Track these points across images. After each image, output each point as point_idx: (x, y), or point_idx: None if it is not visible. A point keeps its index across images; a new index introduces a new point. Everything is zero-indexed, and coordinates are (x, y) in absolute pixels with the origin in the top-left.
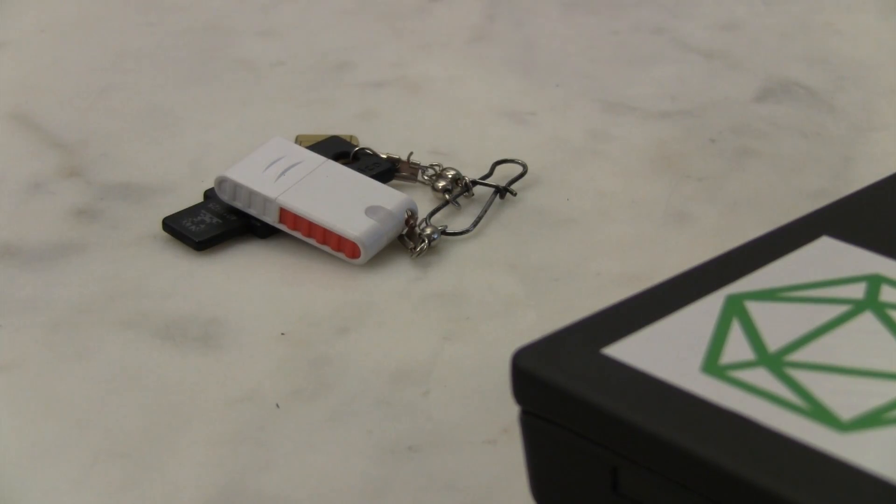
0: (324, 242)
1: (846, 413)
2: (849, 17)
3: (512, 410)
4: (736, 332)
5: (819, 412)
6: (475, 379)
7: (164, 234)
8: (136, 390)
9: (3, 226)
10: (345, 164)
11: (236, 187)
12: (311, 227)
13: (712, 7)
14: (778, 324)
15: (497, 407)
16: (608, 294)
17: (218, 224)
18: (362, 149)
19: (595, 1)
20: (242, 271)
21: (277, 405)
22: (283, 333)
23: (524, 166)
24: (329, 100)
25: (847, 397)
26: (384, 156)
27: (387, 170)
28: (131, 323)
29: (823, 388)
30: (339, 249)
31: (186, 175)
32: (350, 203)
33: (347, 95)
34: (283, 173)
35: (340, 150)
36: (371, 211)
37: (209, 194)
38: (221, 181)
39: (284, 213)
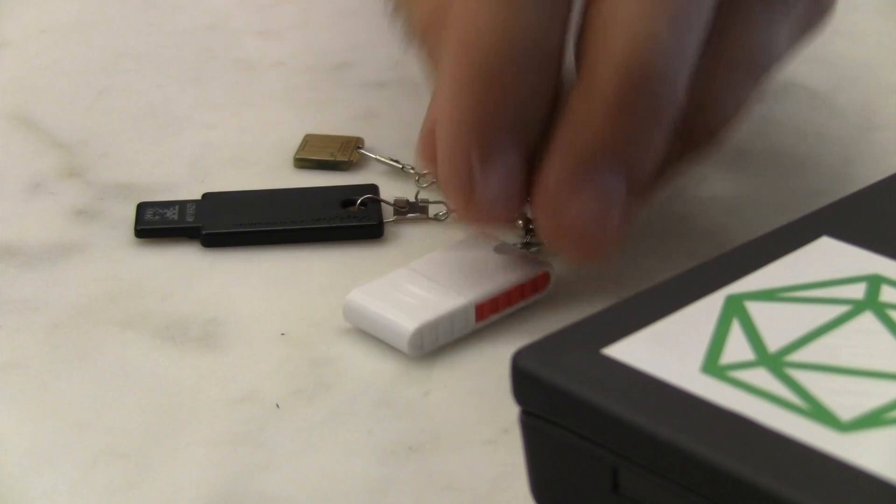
0: (521, 299)
1: (846, 413)
2: (849, 17)
3: (512, 410)
4: (736, 333)
5: (819, 412)
6: (475, 379)
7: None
8: (136, 390)
9: (3, 226)
10: (351, 210)
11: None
12: (507, 297)
13: None
14: (778, 324)
15: (497, 407)
16: (608, 294)
17: (172, 221)
18: (370, 197)
19: None
20: (242, 271)
21: (277, 405)
22: (283, 333)
23: None
24: (329, 100)
25: (847, 397)
26: (392, 201)
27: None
28: (131, 323)
29: (823, 388)
30: (534, 292)
31: (186, 175)
32: (481, 258)
33: (347, 95)
34: (411, 296)
35: (345, 199)
36: (500, 249)
37: (207, 196)
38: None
39: (481, 308)
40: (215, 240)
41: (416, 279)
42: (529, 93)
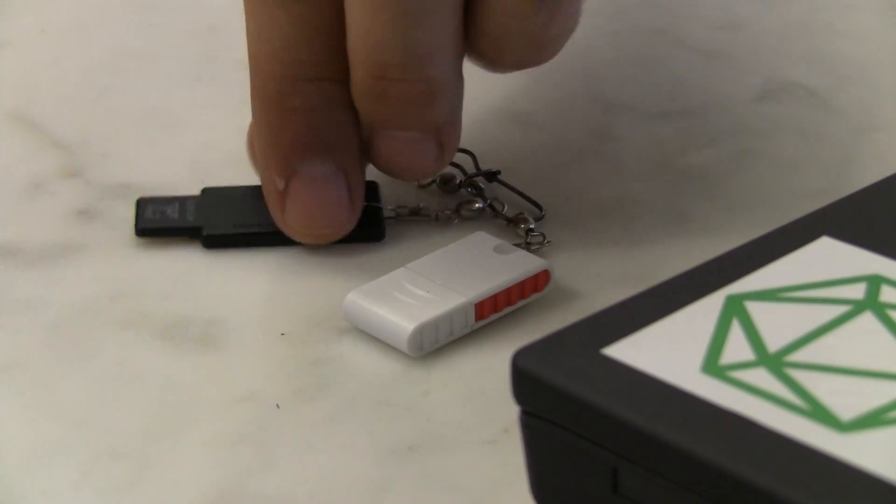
0: (521, 298)
1: (846, 413)
2: (849, 17)
3: (512, 410)
4: (736, 333)
5: (819, 412)
6: (475, 379)
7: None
8: (136, 390)
9: (3, 226)
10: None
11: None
12: (506, 296)
13: (712, 7)
14: (778, 324)
15: (497, 407)
16: (608, 294)
17: (172, 219)
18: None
19: (595, 1)
20: (242, 271)
21: (277, 405)
22: (283, 333)
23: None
24: None
25: (847, 397)
26: (391, 208)
27: (375, 228)
28: (131, 323)
29: (823, 388)
30: (533, 291)
31: (186, 175)
32: (480, 258)
33: None
34: (411, 296)
35: None
36: (499, 249)
37: (206, 191)
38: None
39: (480, 307)
40: (216, 241)
41: (415, 279)
42: (316, 120)
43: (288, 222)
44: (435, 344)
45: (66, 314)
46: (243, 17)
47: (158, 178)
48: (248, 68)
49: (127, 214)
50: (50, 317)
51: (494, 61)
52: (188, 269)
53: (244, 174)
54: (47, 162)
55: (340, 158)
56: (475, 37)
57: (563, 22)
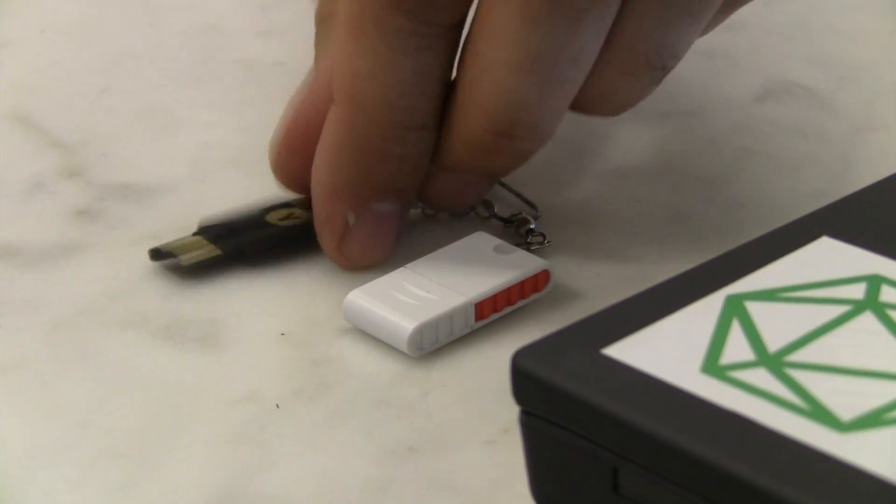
0: (521, 298)
1: (846, 413)
2: (849, 17)
3: (512, 410)
4: (736, 333)
5: (819, 412)
6: (475, 379)
7: (165, 233)
8: (136, 390)
9: (3, 226)
10: None
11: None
12: (506, 296)
13: None
14: (778, 324)
15: (497, 407)
16: (608, 294)
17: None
18: None
19: None
20: (242, 271)
21: (277, 405)
22: (283, 333)
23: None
24: None
25: (847, 397)
26: None
27: None
28: (131, 323)
29: (823, 388)
30: (533, 291)
31: (186, 175)
32: (480, 258)
33: None
34: (411, 296)
35: None
36: (499, 249)
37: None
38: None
39: (480, 307)
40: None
41: (415, 279)
42: (408, 153)
43: (346, 253)
44: (435, 344)
45: (66, 314)
46: (243, 17)
47: (158, 178)
48: (344, 106)
49: (127, 214)
50: (50, 317)
51: (582, 110)
52: (188, 269)
53: (244, 174)
54: (47, 162)
55: (406, 196)
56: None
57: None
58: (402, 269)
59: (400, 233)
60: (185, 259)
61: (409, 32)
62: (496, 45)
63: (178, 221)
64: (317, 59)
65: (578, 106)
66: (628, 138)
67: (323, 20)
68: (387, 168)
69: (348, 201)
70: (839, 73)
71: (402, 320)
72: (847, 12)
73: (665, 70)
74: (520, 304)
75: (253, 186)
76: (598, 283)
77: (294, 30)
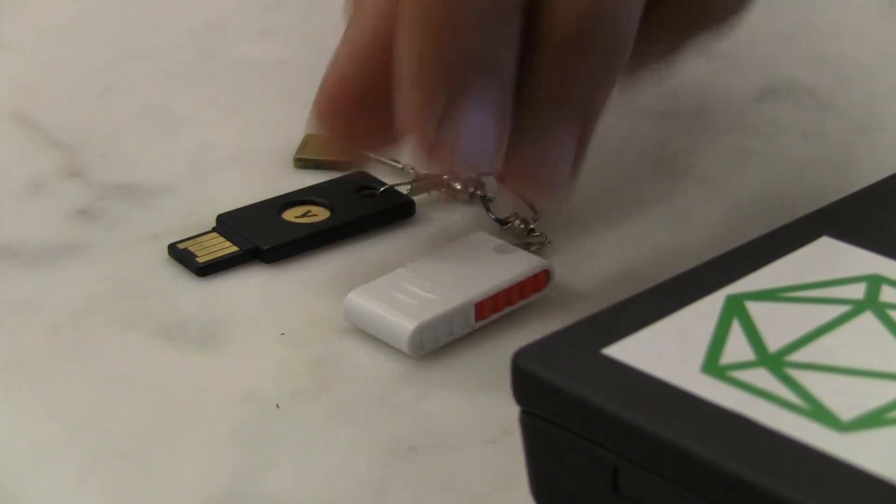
0: (521, 298)
1: (846, 413)
2: (849, 17)
3: (512, 410)
4: (736, 333)
5: (819, 412)
6: (475, 379)
7: (165, 233)
8: (136, 390)
9: (3, 226)
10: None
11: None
12: (506, 296)
13: None
14: (778, 324)
15: (497, 407)
16: (608, 294)
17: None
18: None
19: None
20: (242, 271)
21: (277, 405)
22: (283, 333)
23: None
24: None
25: (847, 397)
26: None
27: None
28: (131, 323)
29: (823, 388)
30: (534, 291)
31: (186, 175)
32: (481, 258)
33: None
34: (411, 296)
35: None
36: (500, 249)
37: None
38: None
39: (480, 307)
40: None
41: (415, 279)
42: (497, 31)
43: (444, 145)
44: (435, 344)
45: (66, 314)
46: (243, 16)
47: (158, 178)
48: None
49: (127, 214)
50: (50, 317)
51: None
52: (188, 269)
53: (244, 174)
54: (47, 162)
55: (500, 78)
56: None
57: None
58: (401, 269)
59: (504, 139)
60: (203, 257)
61: None
62: None
63: (178, 221)
64: (354, 9)
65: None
66: (628, 138)
67: None
68: (473, 33)
69: (441, 78)
70: (839, 73)
71: (403, 320)
72: (847, 12)
73: None
74: (520, 304)
75: (253, 187)
76: (598, 283)
77: (294, 30)
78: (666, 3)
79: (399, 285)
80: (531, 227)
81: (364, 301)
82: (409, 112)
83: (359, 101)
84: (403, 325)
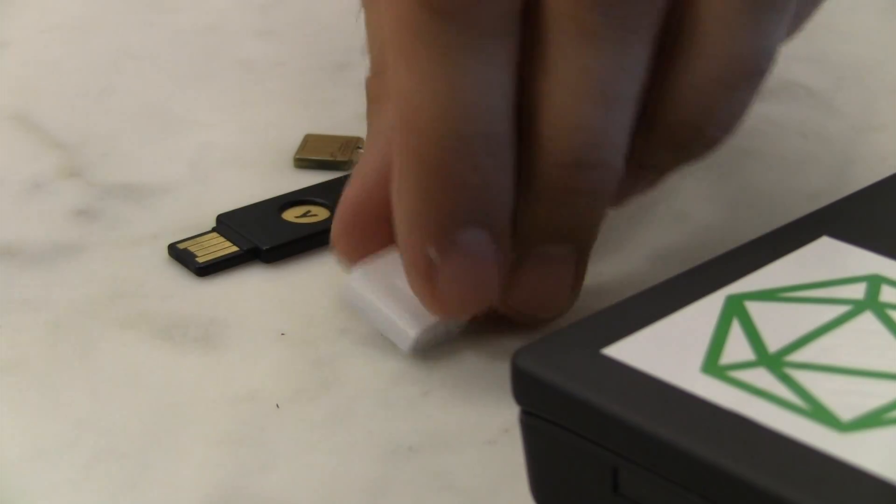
0: None
1: (846, 413)
2: (849, 17)
3: (512, 410)
4: (736, 333)
5: (819, 412)
6: (475, 379)
7: (165, 233)
8: (136, 390)
9: (3, 226)
10: None
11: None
12: None
13: None
14: (778, 324)
15: (497, 407)
16: (608, 294)
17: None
18: None
19: None
20: (242, 271)
21: (277, 405)
22: (283, 333)
23: None
24: (329, 100)
25: (847, 397)
26: None
27: None
28: (131, 323)
29: (823, 388)
30: None
31: (186, 175)
32: None
33: (347, 95)
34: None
35: None
36: None
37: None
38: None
39: None
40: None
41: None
42: (481, 178)
43: (440, 298)
44: (433, 342)
45: (66, 314)
46: (243, 16)
47: (158, 178)
48: (403, 132)
49: (127, 214)
50: (50, 317)
51: (681, 141)
52: (188, 269)
53: (244, 174)
54: (47, 162)
55: (497, 224)
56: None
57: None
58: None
59: (503, 273)
60: (203, 257)
61: (456, 42)
62: (552, 73)
63: (178, 221)
64: (368, 136)
65: (677, 137)
66: None
67: (374, 99)
68: (459, 190)
69: (427, 234)
70: (839, 73)
71: (405, 324)
72: (847, 12)
73: (762, 74)
74: None
75: (253, 187)
76: (597, 284)
77: (294, 30)
78: (653, 142)
79: (399, 270)
80: None
81: (366, 287)
82: (406, 264)
83: (372, 225)
84: (405, 329)
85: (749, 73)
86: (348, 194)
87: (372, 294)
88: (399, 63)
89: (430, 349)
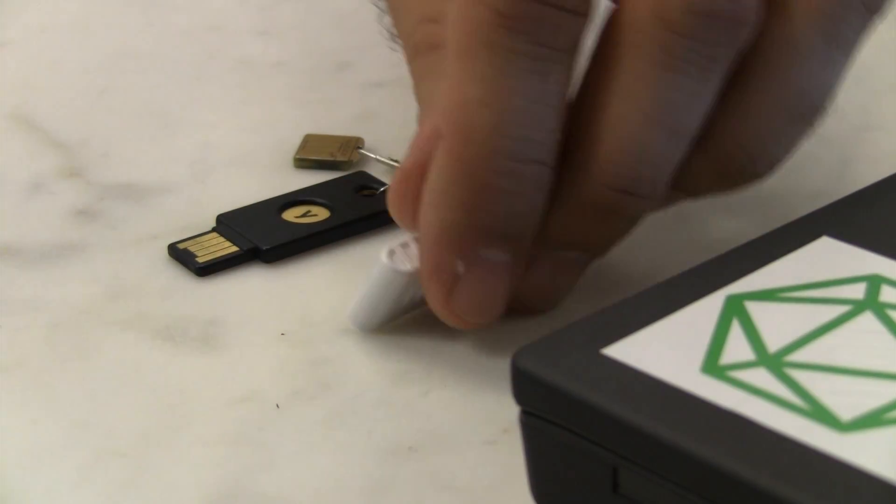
0: None
1: (846, 413)
2: None
3: (512, 410)
4: (736, 333)
5: (819, 412)
6: (475, 379)
7: (165, 233)
8: (136, 390)
9: (3, 226)
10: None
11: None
12: None
13: None
14: (778, 324)
15: (497, 407)
16: (608, 294)
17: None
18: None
19: None
20: (242, 271)
21: (277, 405)
22: (283, 333)
23: None
24: (329, 100)
25: (847, 397)
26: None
27: None
28: (131, 323)
29: (823, 388)
30: None
31: (186, 175)
32: None
33: (347, 95)
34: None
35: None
36: None
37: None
38: None
39: None
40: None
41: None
42: (520, 206)
43: (454, 307)
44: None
45: (66, 314)
46: (243, 17)
47: (158, 178)
48: (452, 137)
49: (127, 214)
50: (50, 317)
51: (733, 172)
52: (188, 268)
53: (244, 174)
54: (47, 162)
55: (519, 247)
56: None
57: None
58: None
59: (513, 292)
60: (203, 257)
61: (523, 55)
62: (625, 97)
63: (178, 221)
64: (424, 101)
65: (725, 166)
66: None
67: (428, 48)
68: (498, 206)
69: (457, 246)
70: None
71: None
72: None
73: (822, 112)
74: None
75: (253, 187)
76: (598, 283)
77: (294, 30)
78: (697, 168)
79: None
80: None
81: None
82: (425, 269)
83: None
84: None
85: (812, 110)
86: (404, 164)
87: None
88: (462, 68)
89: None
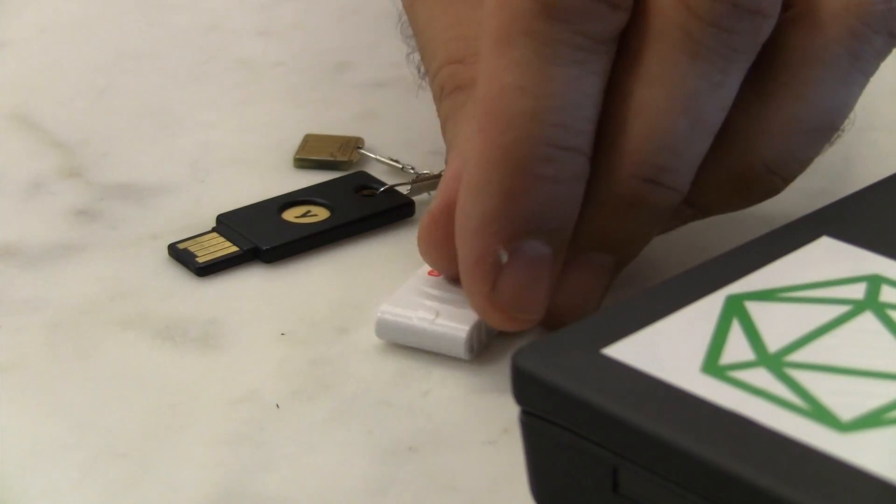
0: None
1: (846, 413)
2: None
3: (512, 410)
4: (736, 333)
5: (819, 412)
6: (475, 379)
7: (165, 233)
8: (136, 390)
9: (3, 226)
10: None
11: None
12: None
13: None
14: (778, 324)
15: (497, 407)
16: (609, 294)
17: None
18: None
19: None
20: (243, 272)
21: (277, 405)
22: (283, 333)
23: None
24: (329, 100)
25: (847, 397)
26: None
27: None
28: (131, 323)
29: (823, 388)
30: None
31: (186, 175)
32: None
33: (347, 95)
34: (442, 301)
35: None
36: None
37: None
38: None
39: None
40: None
41: (431, 282)
42: (560, 193)
43: (498, 300)
44: (483, 344)
45: (66, 314)
46: (243, 17)
47: (158, 178)
48: (489, 125)
49: (127, 214)
50: (50, 317)
51: (756, 179)
52: (188, 269)
53: (244, 174)
54: (47, 162)
55: (559, 239)
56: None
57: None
58: (413, 278)
59: (553, 287)
60: (203, 257)
61: (562, 43)
62: (649, 83)
63: (178, 221)
64: (447, 140)
65: (740, 179)
66: None
67: (454, 89)
68: (539, 193)
69: (500, 235)
70: None
71: (452, 329)
72: None
73: (839, 129)
74: None
75: (253, 187)
76: None
77: (294, 30)
78: (711, 182)
79: (423, 291)
80: None
81: (400, 317)
82: (467, 264)
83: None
84: (456, 335)
85: (831, 128)
86: (432, 207)
87: (409, 319)
88: (500, 56)
89: (482, 351)
